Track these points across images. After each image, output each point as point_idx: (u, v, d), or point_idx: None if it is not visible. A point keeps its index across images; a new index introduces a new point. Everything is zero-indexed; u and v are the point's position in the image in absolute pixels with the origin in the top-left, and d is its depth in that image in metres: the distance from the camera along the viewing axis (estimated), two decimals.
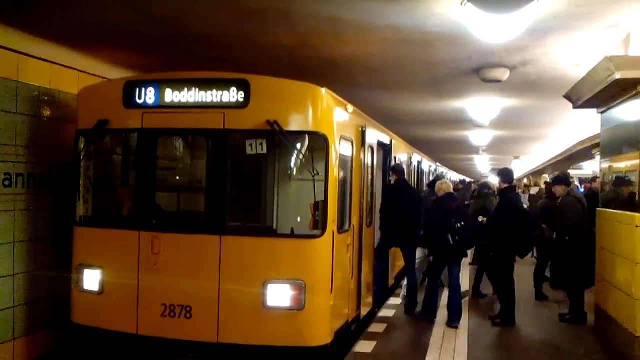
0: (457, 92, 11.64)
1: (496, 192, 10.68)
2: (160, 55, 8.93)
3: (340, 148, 6.65)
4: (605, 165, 8.61)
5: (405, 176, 10.12)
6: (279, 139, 6.07)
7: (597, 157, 13.73)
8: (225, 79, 6.33)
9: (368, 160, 8.42)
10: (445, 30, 7.06)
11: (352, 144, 7.34)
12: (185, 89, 6.35)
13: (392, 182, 9.46)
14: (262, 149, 6.29)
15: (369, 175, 8.61)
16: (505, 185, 8.90)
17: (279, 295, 5.99)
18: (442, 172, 25.00)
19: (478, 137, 20.08)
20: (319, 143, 6.25)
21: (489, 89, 10.67)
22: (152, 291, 6.23)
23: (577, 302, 8.79)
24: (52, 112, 7.56)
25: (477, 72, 9.32)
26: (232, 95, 6.23)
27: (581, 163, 27.19)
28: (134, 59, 9.05)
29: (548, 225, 10.06)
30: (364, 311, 8.08)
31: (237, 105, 6.22)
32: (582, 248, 8.55)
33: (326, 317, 6.22)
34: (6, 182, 6.83)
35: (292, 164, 6.98)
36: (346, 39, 7.73)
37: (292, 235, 6.43)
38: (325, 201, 6.17)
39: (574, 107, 8.82)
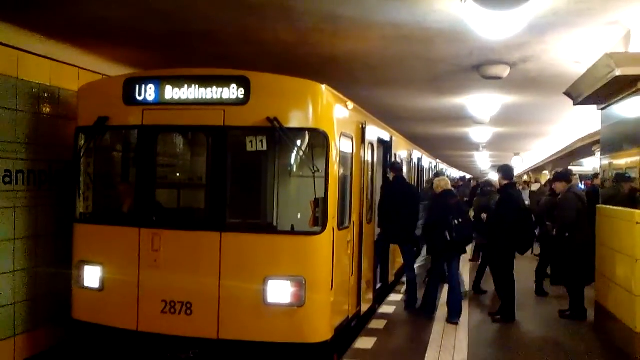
0: (457, 89, 11.63)
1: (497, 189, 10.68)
2: (161, 52, 8.93)
3: (341, 145, 6.65)
4: (606, 162, 8.62)
5: (406, 173, 10.13)
6: (280, 136, 6.07)
7: (598, 154, 13.74)
8: (226, 76, 6.33)
9: (368, 157, 8.42)
10: (445, 27, 7.05)
11: (353, 141, 7.34)
12: (186, 86, 6.35)
13: (389, 179, 9.48)
14: (262, 146, 6.29)
15: (370, 172, 8.61)
16: (505, 182, 8.90)
17: (279, 292, 6.00)
18: (443, 169, 25.00)
19: (478, 134, 20.09)
20: (319, 140, 6.25)
21: (489, 85, 10.67)
22: (153, 288, 6.24)
23: (577, 298, 8.80)
24: (53, 109, 7.57)
25: (477, 69, 9.31)
26: (233, 92, 6.23)
27: (581, 160, 27.18)
28: (134, 56, 9.04)
29: (552, 222, 10.06)
30: (364, 308, 8.09)
31: (237, 103, 6.22)
32: (582, 245, 8.56)
33: (326, 314, 6.23)
34: (6, 180, 6.83)
35: (292, 161, 6.98)
36: (346, 35, 7.72)
37: (292, 232, 6.42)
38: (325, 198, 6.17)
39: (574, 104, 8.82)
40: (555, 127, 18.86)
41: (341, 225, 6.67)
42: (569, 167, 20.51)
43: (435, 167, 21.99)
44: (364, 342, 7.31)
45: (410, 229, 9.05)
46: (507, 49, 8.14)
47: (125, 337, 6.31)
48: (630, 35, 7.10)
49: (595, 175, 14.00)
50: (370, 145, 8.49)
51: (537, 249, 11.87)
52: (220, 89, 6.27)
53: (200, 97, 6.33)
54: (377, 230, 9.29)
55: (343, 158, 6.81)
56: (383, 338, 7.56)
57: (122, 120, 6.63)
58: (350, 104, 7.24)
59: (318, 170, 6.07)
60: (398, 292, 10.29)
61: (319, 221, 6.20)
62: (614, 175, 8.20)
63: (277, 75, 6.35)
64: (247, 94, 6.19)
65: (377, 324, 8.26)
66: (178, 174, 8.57)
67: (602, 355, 7.14)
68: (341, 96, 6.91)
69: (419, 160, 16.25)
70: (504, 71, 9.21)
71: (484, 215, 9.73)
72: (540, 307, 9.70)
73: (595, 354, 7.20)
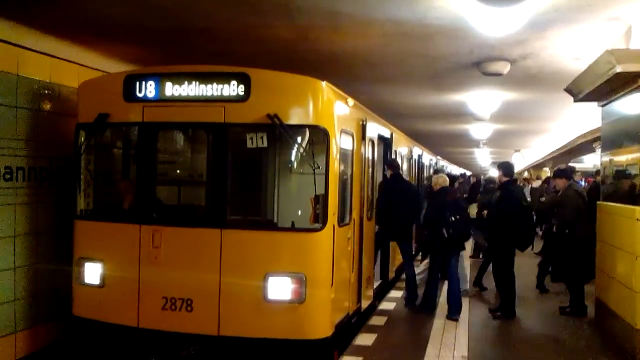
0: (457, 85, 11.62)
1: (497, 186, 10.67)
2: (161, 49, 8.92)
3: (341, 142, 6.65)
4: (606, 158, 8.61)
5: (406, 170, 10.13)
6: (280, 132, 6.07)
7: (598, 151, 13.73)
8: (226, 72, 6.33)
9: (369, 153, 8.42)
10: (446, 23, 7.04)
11: (353, 138, 7.34)
12: (186, 82, 6.34)
13: (387, 176, 9.49)
14: (262, 143, 6.28)
15: (370, 169, 8.61)
16: (506, 178, 8.90)
17: (279, 288, 6.01)
18: (443, 166, 24.97)
19: (479, 131, 20.08)
20: (319, 137, 6.25)
21: (489, 82, 10.66)
22: (153, 284, 6.25)
23: (578, 295, 8.81)
24: (53, 106, 7.56)
25: (477, 65, 9.30)
26: (233, 89, 6.23)
27: (582, 157, 27.16)
28: (134, 53, 9.04)
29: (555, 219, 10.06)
30: (364, 304, 8.09)
31: (237, 99, 6.22)
32: (582, 241, 8.56)
33: (327, 311, 6.24)
34: (7, 176, 6.84)
35: (292, 158, 6.96)
36: (346, 32, 7.72)
37: (293, 228, 6.43)
38: (325, 195, 6.17)
39: (574, 101, 8.81)
40: (556, 124, 18.85)
41: (341, 222, 6.68)
42: (571, 164, 20.48)
43: (436, 164, 21.97)
44: (365, 339, 7.32)
45: (408, 226, 9.05)
46: (507, 45, 8.13)
47: (125, 334, 6.31)
48: (631, 31, 7.09)
49: (597, 172, 14.00)
50: (370, 142, 8.49)
51: (537, 246, 11.89)
52: (220, 86, 6.26)
53: (200, 94, 6.33)
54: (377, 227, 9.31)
55: (343, 155, 6.81)
56: (383, 334, 7.58)
57: (122, 117, 6.62)
58: (351, 101, 7.24)
59: (318, 167, 6.06)
60: (399, 288, 10.30)
61: (320, 218, 6.20)
62: (614, 172, 8.20)
63: (277, 72, 6.35)
64: (248, 90, 6.18)
65: (377, 320, 8.27)
66: (178, 171, 8.57)
67: (602, 352, 7.15)
68: (341, 93, 6.90)
69: (420, 157, 16.24)
70: (504, 68, 9.20)
71: (484, 212, 9.72)
72: (540, 304, 9.71)
73: (596, 351, 7.20)
